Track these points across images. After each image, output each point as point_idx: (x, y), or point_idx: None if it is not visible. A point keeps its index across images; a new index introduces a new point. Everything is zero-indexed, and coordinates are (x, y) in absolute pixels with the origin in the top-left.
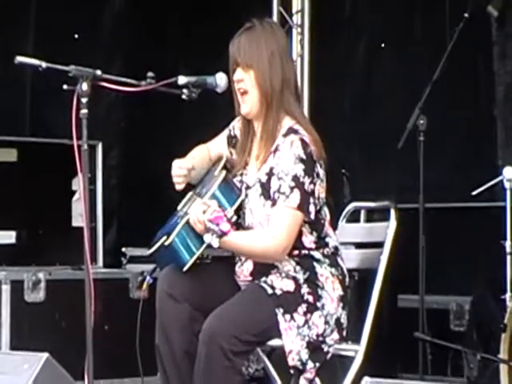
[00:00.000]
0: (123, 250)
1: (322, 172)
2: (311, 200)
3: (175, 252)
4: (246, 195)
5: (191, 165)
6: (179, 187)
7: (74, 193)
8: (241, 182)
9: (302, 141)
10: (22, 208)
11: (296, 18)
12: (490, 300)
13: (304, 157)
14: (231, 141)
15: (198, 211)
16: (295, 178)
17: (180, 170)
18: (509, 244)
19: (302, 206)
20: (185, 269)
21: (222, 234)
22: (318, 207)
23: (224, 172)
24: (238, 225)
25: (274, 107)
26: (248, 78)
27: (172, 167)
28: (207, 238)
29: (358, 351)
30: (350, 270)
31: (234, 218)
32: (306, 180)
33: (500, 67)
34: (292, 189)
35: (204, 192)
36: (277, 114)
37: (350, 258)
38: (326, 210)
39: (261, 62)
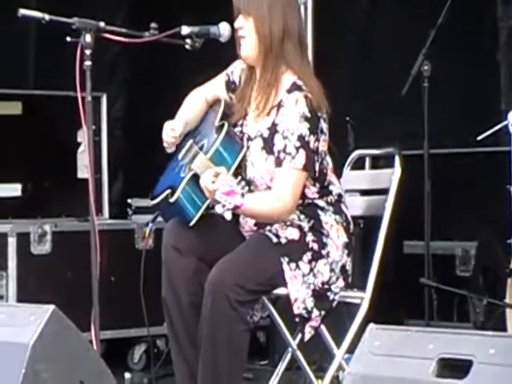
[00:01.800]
0: (129, 201)
1: (325, 126)
2: (316, 158)
3: (181, 208)
4: (248, 147)
5: (183, 128)
6: (170, 150)
7: (79, 145)
8: (241, 132)
9: (307, 98)
10: (27, 161)
11: None
12: (495, 245)
13: (309, 115)
14: (230, 86)
15: (208, 180)
16: (300, 138)
17: (172, 132)
18: None
19: (308, 166)
20: (191, 224)
21: (235, 207)
22: (320, 160)
23: (226, 124)
24: (241, 178)
25: (274, 56)
26: (247, 24)
27: (163, 129)
28: (219, 209)
29: (363, 298)
30: (355, 218)
31: (245, 188)
32: (311, 139)
33: (503, 12)
34: (298, 149)
35: (206, 146)
36: (276, 63)
37: (355, 206)
38: (328, 159)
39: (260, 9)
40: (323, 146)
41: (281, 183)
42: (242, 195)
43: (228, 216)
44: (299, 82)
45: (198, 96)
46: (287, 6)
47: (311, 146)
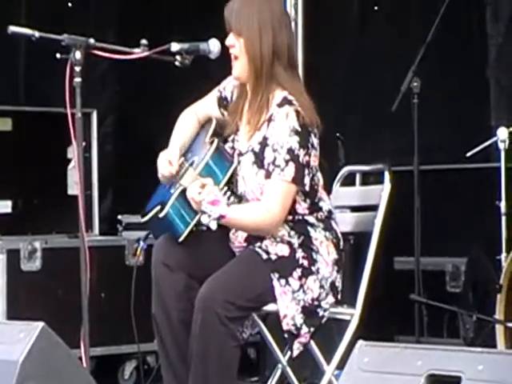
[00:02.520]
0: (119, 217)
1: (316, 141)
2: (306, 172)
3: (170, 223)
4: (239, 162)
5: (179, 156)
6: (163, 180)
7: (69, 161)
8: (232, 148)
9: (297, 112)
10: (18, 177)
11: None
12: (485, 261)
13: (299, 129)
14: (222, 102)
15: (194, 191)
16: (290, 151)
17: (170, 166)
18: (503, 204)
19: (297, 179)
20: (180, 239)
21: (220, 217)
22: (311, 175)
23: (216, 140)
24: (231, 192)
25: (264, 77)
26: (238, 44)
27: (159, 159)
28: (204, 219)
29: (353, 315)
30: (345, 234)
31: (231, 198)
32: (301, 152)
33: (493, 28)
34: (287, 162)
35: (197, 162)
36: (267, 83)
37: (345, 222)
38: (318, 175)
39: (251, 30)
40: (314, 162)
41: (269, 195)
42: (228, 205)
43: (213, 226)
44: (290, 97)
45: (189, 117)
46: (277, 24)
47: (301, 159)
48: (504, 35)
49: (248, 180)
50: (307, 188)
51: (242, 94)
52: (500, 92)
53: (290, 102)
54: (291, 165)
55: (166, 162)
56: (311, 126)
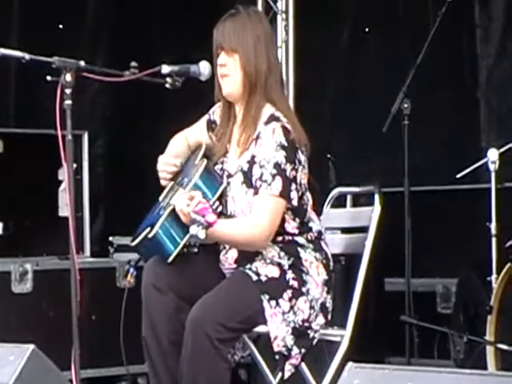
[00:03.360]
0: (110, 239)
1: (303, 158)
2: (293, 186)
3: (159, 243)
4: (228, 183)
5: (178, 161)
6: (165, 182)
7: (60, 183)
8: (222, 169)
9: (284, 128)
10: (9, 199)
11: (280, 4)
12: (475, 282)
13: (286, 144)
14: (211, 126)
15: (183, 203)
16: (277, 166)
17: (169, 166)
18: (494, 226)
19: (284, 193)
20: (170, 260)
21: (208, 226)
22: (300, 193)
23: (205, 161)
24: (221, 213)
25: (258, 92)
26: (232, 61)
27: (158, 162)
28: (193, 229)
29: (343, 336)
30: (335, 255)
31: (219, 207)
32: (288, 167)
33: (483, 50)
34: (274, 176)
35: (186, 182)
36: (260, 99)
37: (336, 243)
38: (308, 195)
39: (246, 46)
40: (303, 179)
41: (257, 210)
42: (217, 214)
43: (202, 235)
44: (277, 114)
45: (180, 141)
46: (269, 41)
47: (288, 174)
48: (494, 57)
49: (238, 200)
50: (295, 203)
51: (227, 118)
52: (490, 113)
53: (276, 119)
54: (278, 179)
55: (168, 162)
56: (299, 143)
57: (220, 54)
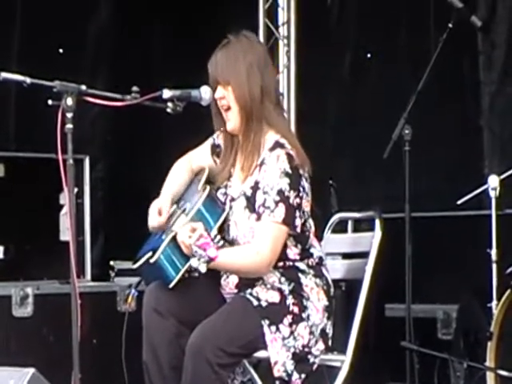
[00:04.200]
0: (111, 263)
1: (307, 186)
2: (297, 214)
3: (161, 269)
4: (231, 207)
5: (170, 206)
6: (152, 229)
7: (61, 207)
8: (225, 194)
9: (288, 155)
10: (10, 223)
11: (282, 30)
12: (476, 308)
13: (290, 171)
14: (215, 149)
15: (184, 235)
16: (280, 193)
17: (159, 217)
18: (494, 252)
19: (287, 220)
20: (171, 285)
21: (210, 260)
22: (302, 220)
23: (208, 187)
24: (223, 239)
25: (255, 118)
26: (227, 93)
27: (150, 209)
28: (194, 262)
29: (344, 361)
30: (336, 281)
31: (220, 242)
32: (292, 194)
33: (486, 76)
34: (277, 203)
35: (188, 208)
36: (258, 126)
37: (336, 269)
38: (310, 221)
39: (238, 76)
40: (306, 207)
41: (260, 237)
42: (217, 248)
43: (203, 269)
44: (282, 141)
45: (183, 166)
46: (264, 64)
47: (291, 201)
48: (497, 83)
49: (240, 224)
50: (298, 230)
51: (230, 145)
52: (493, 140)
53: (281, 146)
54: (281, 206)
55: (156, 212)
56: (302, 169)
57: (217, 87)
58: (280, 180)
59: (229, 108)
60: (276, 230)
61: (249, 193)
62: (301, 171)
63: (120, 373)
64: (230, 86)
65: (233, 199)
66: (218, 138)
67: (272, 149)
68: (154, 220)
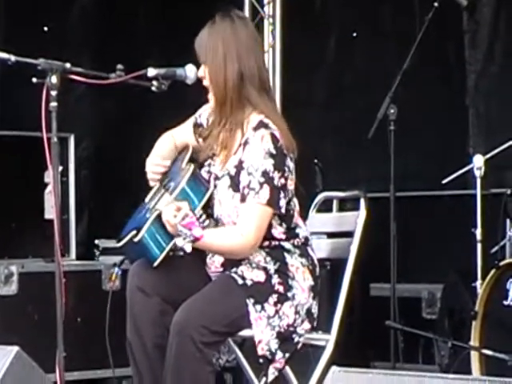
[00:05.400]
0: (96, 241)
1: (292, 165)
2: (281, 194)
3: (145, 248)
4: (215, 186)
5: (166, 162)
6: (154, 184)
7: (46, 185)
8: (209, 172)
9: (273, 135)
10: None
11: (267, 9)
12: (461, 288)
13: (274, 151)
14: (197, 128)
15: (169, 214)
16: (265, 174)
17: (158, 167)
18: (479, 232)
19: (272, 202)
20: (155, 264)
21: (195, 240)
22: (287, 199)
23: (192, 166)
24: (208, 216)
25: (230, 102)
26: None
27: (147, 164)
28: (179, 241)
29: (328, 340)
30: (321, 260)
31: (206, 221)
32: (276, 175)
33: (471, 55)
34: (261, 184)
35: (172, 186)
36: (235, 110)
37: (321, 248)
38: (295, 200)
39: (215, 58)
40: (290, 186)
41: (244, 218)
42: (203, 228)
43: (188, 248)
44: (266, 121)
45: (167, 140)
46: (245, 49)
47: (276, 182)
48: (482, 62)
49: (224, 203)
50: (283, 210)
51: (214, 122)
52: (478, 119)
53: (265, 126)
54: (266, 187)
55: (156, 163)
56: (287, 150)
57: (200, 65)
58: (264, 161)
59: (207, 87)
60: (261, 212)
61: (233, 172)
62: (285, 151)
63: (104, 351)
64: (207, 68)
65: (217, 177)
66: (200, 117)
67: (256, 128)
68: (156, 168)
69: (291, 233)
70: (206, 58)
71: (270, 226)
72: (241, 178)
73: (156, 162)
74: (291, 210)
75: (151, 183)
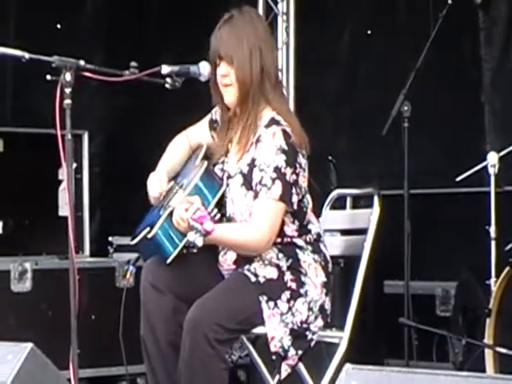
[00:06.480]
0: (110, 239)
1: (304, 162)
2: (293, 190)
3: (159, 244)
4: (228, 185)
5: (168, 181)
6: (154, 201)
7: (60, 182)
8: (222, 170)
9: (284, 131)
10: (9, 198)
11: (281, 6)
12: (475, 285)
13: (286, 147)
14: (213, 125)
15: (181, 209)
16: (277, 170)
17: (160, 186)
18: (493, 229)
19: (284, 197)
20: (168, 261)
21: (206, 234)
22: (300, 196)
23: (205, 162)
24: (221, 214)
25: (252, 97)
26: (231, 72)
27: (149, 182)
28: (191, 236)
29: (342, 338)
30: (335, 257)
31: (217, 215)
32: (288, 171)
33: (487, 52)
34: (274, 180)
35: (186, 183)
36: (256, 105)
37: (335, 245)
38: (308, 197)
39: (241, 56)
40: (303, 182)
41: (258, 214)
42: (214, 222)
43: (199, 242)
44: (277, 118)
45: (181, 142)
46: (264, 44)
47: (288, 177)
48: (498, 59)
49: (237, 202)
50: (295, 207)
51: (226, 121)
52: (494, 116)
53: (277, 122)
54: (278, 183)
55: (156, 183)
56: (299, 146)
57: (220, 63)
58: (276, 157)
59: (227, 85)
60: (274, 207)
61: (245, 170)
62: (297, 147)
63: (118, 348)
64: (233, 65)
65: (230, 176)
66: (215, 113)
67: (268, 125)
68: (154, 190)
69: (303, 229)
70: (231, 55)
71: (283, 223)
72: (253, 175)
73: (157, 180)
74: (304, 207)
75: (151, 200)
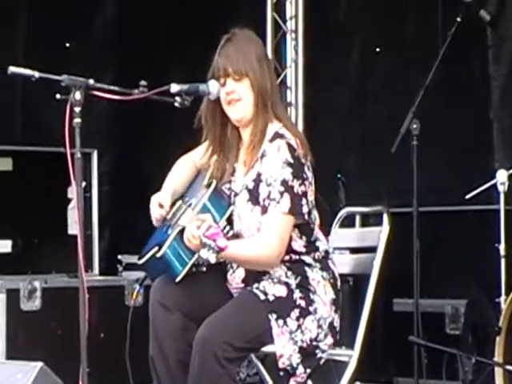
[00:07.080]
0: (119, 257)
1: (310, 175)
2: (303, 201)
3: (167, 263)
4: (234, 202)
5: (170, 200)
6: (158, 225)
7: (69, 201)
8: (229, 189)
9: (289, 145)
10: (18, 217)
11: (290, 24)
12: (485, 303)
13: (291, 160)
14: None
15: (193, 226)
16: (284, 183)
17: (160, 209)
18: (503, 247)
19: (294, 210)
20: (178, 279)
21: (220, 250)
22: (308, 208)
23: (214, 182)
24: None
25: (267, 110)
26: (241, 86)
27: (151, 203)
28: (204, 253)
29: (351, 356)
30: (344, 275)
31: (230, 231)
32: (295, 183)
33: (495, 70)
34: (282, 194)
35: (195, 203)
36: (268, 117)
37: (344, 263)
38: (315, 213)
39: (254, 68)
40: (310, 196)
41: (267, 228)
42: (227, 239)
43: (212, 259)
44: (281, 131)
45: (185, 163)
46: (268, 60)
47: (295, 190)
48: (506, 77)
49: (244, 218)
50: (306, 217)
51: (234, 138)
52: (503, 134)
53: (281, 136)
54: (286, 196)
55: (157, 205)
56: (304, 158)
57: (225, 81)
58: (282, 170)
59: (237, 100)
60: (283, 221)
61: (251, 185)
62: (303, 160)
63: (127, 367)
64: (247, 79)
65: (236, 194)
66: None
67: (272, 140)
68: (155, 212)
69: (311, 246)
70: (244, 68)
71: (290, 238)
72: (260, 190)
73: (159, 202)
74: (312, 223)
75: (154, 222)
